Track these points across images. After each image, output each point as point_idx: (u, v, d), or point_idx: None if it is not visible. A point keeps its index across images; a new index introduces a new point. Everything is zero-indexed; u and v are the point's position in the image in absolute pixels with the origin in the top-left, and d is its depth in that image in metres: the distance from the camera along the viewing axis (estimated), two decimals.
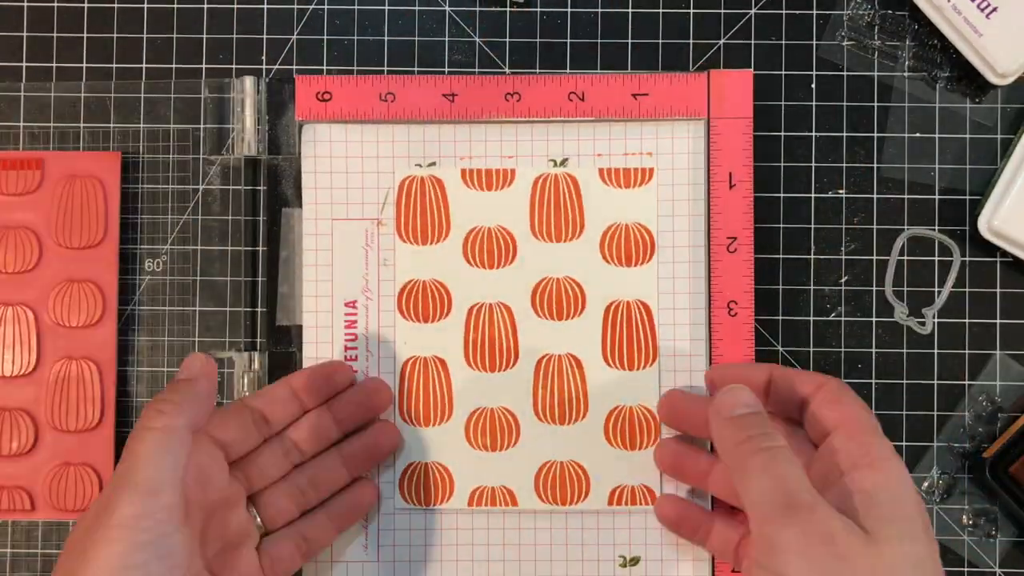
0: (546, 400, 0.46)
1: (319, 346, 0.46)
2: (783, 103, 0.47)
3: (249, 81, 0.46)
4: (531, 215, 0.46)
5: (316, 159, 0.46)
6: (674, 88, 0.45)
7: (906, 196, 0.47)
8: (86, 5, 0.48)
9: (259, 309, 0.46)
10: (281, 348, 0.46)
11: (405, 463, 0.45)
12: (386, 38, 0.48)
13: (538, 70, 0.47)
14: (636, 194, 0.46)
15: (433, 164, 0.46)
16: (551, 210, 0.46)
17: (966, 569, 0.46)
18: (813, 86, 0.47)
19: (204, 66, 0.48)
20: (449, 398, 0.46)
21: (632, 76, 0.46)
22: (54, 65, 0.48)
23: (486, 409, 0.46)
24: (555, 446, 0.45)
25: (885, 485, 0.34)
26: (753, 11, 0.47)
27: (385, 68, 0.48)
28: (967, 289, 0.47)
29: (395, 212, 0.46)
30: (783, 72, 0.47)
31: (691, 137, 0.46)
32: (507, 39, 0.48)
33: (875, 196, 0.47)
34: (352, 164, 0.46)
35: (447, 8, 0.48)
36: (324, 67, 0.48)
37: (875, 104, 0.47)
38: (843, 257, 0.47)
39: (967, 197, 0.47)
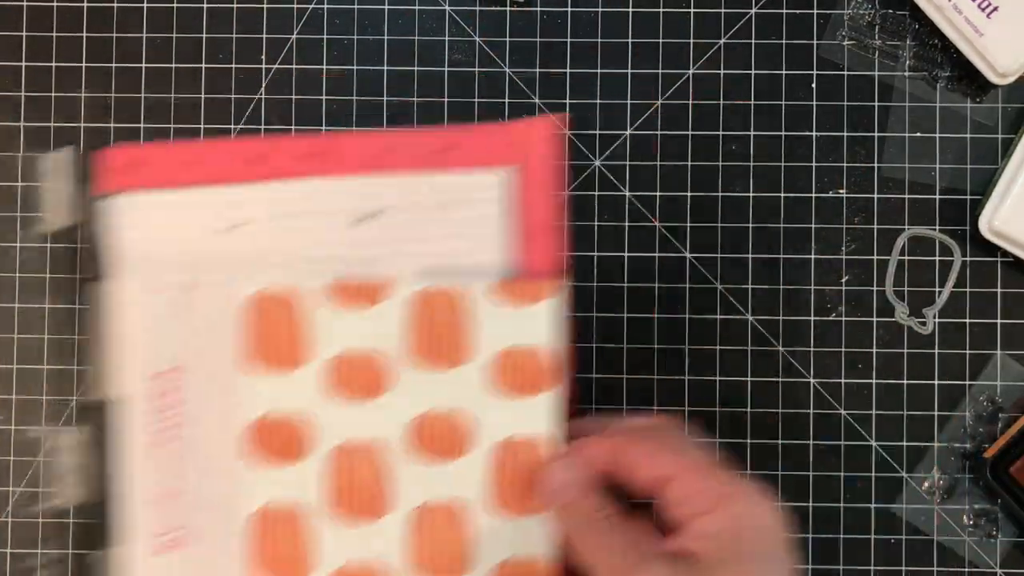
0: (424, 555, 0.38)
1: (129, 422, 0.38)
2: (783, 103, 0.47)
3: (63, 153, 0.43)
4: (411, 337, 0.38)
5: (121, 229, 0.39)
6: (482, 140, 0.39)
7: (907, 196, 0.47)
8: (85, 5, 0.48)
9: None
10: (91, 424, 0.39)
11: None
12: (386, 37, 0.48)
13: (538, 70, 0.47)
14: (529, 312, 0.38)
15: (239, 224, 0.39)
16: (432, 330, 0.38)
17: (967, 569, 0.46)
18: (814, 86, 0.47)
19: (204, 66, 0.48)
20: (304, 558, 0.38)
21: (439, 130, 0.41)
22: (54, 64, 0.48)
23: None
24: None
25: (725, 526, 0.33)
26: (753, 11, 0.47)
27: (385, 67, 0.48)
28: (968, 289, 0.47)
29: (243, 336, 0.38)
30: (783, 72, 0.47)
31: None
32: (507, 39, 0.48)
33: (876, 196, 0.47)
34: (159, 232, 0.39)
35: (447, 8, 0.48)
36: (324, 66, 0.48)
37: (875, 104, 0.47)
38: (843, 257, 0.47)
39: (968, 197, 0.47)
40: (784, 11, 0.47)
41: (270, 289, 0.38)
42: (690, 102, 0.47)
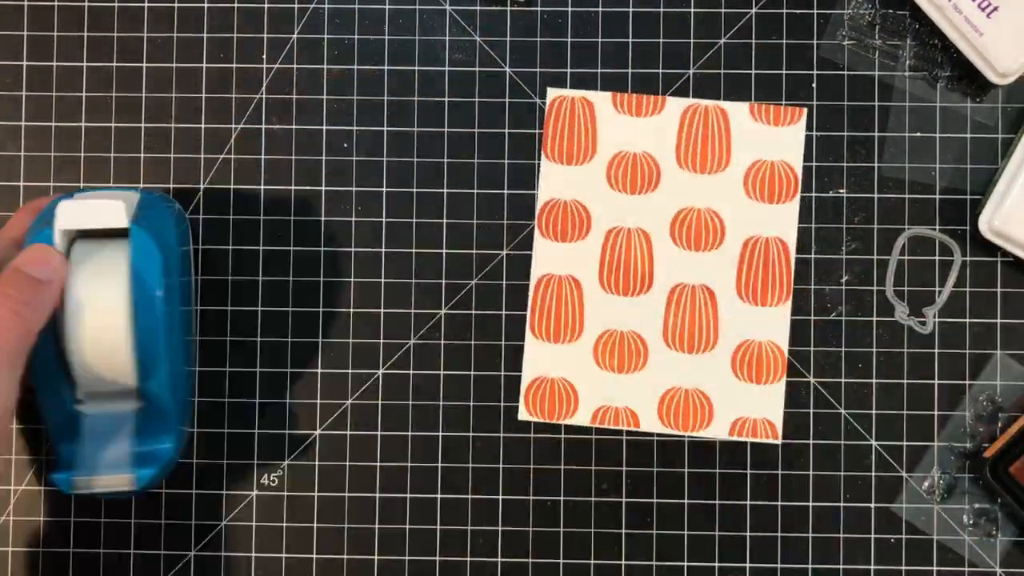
0: (676, 328, 0.46)
1: None
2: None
3: None
4: (678, 144, 0.46)
5: None
6: None
7: (907, 196, 0.47)
8: (86, 4, 0.48)
9: None
10: None
11: (532, 376, 0.46)
12: (386, 37, 0.48)
13: (538, 69, 0.47)
14: (784, 132, 0.46)
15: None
16: (698, 141, 0.46)
17: (967, 569, 0.46)
18: (814, 86, 0.47)
19: (204, 65, 0.48)
20: (581, 318, 0.46)
21: None
22: (54, 64, 0.48)
23: (616, 332, 0.46)
24: (681, 373, 0.46)
25: None
26: (754, 10, 0.47)
27: (385, 67, 0.48)
28: (968, 289, 0.47)
29: (544, 131, 0.47)
30: (783, 72, 0.47)
31: None
32: (507, 38, 0.48)
33: (876, 196, 0.47)
34: None
35: (447, 7, 0.48)
36: (324, 66, 0.48)
37: (876, 104, 0.47)
38: (844, 257, 0.47)
39: (968, 197, 0.47)
40: (784, 11, 0.47)
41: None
42: None
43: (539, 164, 0.47)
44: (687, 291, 0.46)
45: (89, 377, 0.41)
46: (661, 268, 0.46)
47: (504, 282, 0.47)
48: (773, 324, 0.46)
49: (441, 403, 0.47)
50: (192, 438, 0.47)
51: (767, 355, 0.46)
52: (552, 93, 0.47)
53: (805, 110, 0.47)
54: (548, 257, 0.47)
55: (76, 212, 0.40)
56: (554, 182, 0.47)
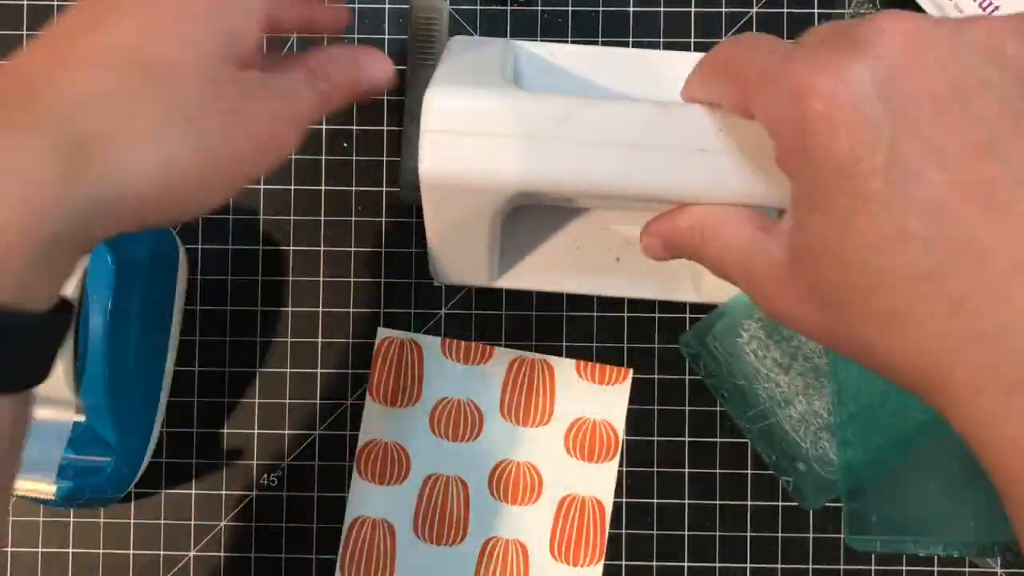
0: None
1: None
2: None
3: None
4: (503, 395, 0.46)
5: None
6: None
7: None
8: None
9: None
10: None
11: None
12: (386, 37, 0.48)
13: None
14: (609, 391, 0.46)
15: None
16: (523, 393, 0.46)
17: (967, 569, 0.46)
18: None
19: None
20: (391, 566, 0.46)
21: None
22: None
23: None
24: None
25: None
26: (754, 10, 0.47)
27: None
28: None
29: (371, 372, 0.46)
30: None
31: None
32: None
33: None
34: None
35: (447, 7, 0.48)
36: None
37: None
38: None
39: None
40: (784, 11, 0.47)
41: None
42: None
43: (363, 404, 0.46)
44: (500, 545, 0.45)
45: None
46: (476, 519, 0.45)
47: None
48: None
49: None
50: (192, 438, 0.47)
51: None
52: (382, 334, 0.46)
53: (631, 371, 0.46)
54: (364, 499, 0.46)
55: None
56: (376, 423, 0.46)
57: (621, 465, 0.46)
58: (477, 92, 0.34)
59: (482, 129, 0.33)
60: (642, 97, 0.38)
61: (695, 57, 0.34)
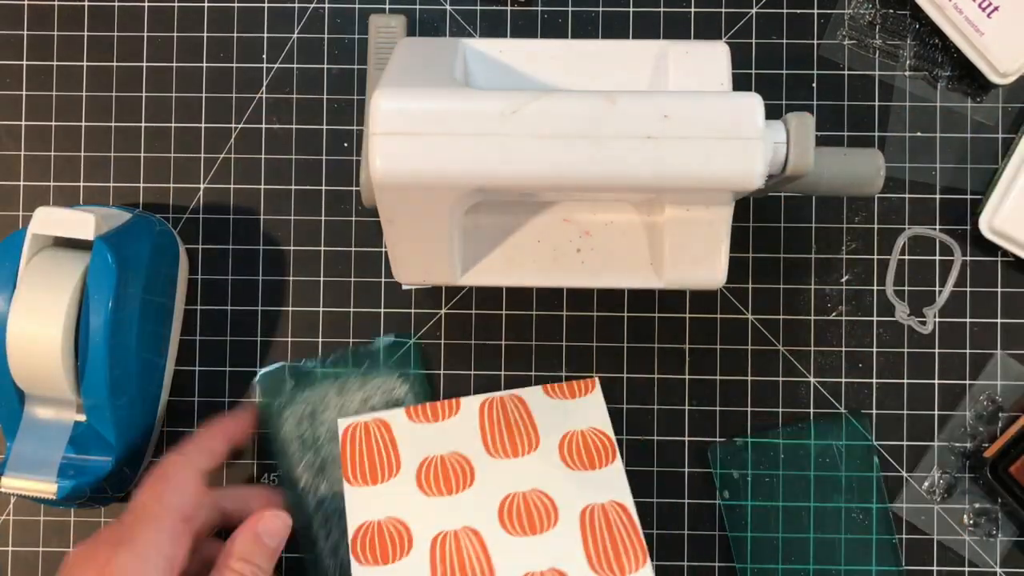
0: None
1: None
2: (784, 102, 0.47)
3: None
4: (483, 436, 0.45)
5: None
6: None
7: (907, 195, 0.47)
8: (86, 4, 0.48)
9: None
10: None
11: None
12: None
13: None
14: (583, 402, 0.46)
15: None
16: (503, 429, 0.45)
17: (967, 568, 0.46)
18: (814, 85, 0.47)
19: (204, 64, 0.48)
20: None
21: None
22: (54, 64, 0.48)
23: None
24: None
25: None
26: (754, 10, 0.47)
27: None
28: (968, 288, 0.47)
29: (342, 459, 0.45)
30: (784, 71, 0.47)
31: None
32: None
33: (876, 196, 0.47)
34: None
35: (448, 7, 0.48)
36: (324, 66, 0.48)
37: (876, 103, 0.47)
38: (844, 256, 0.47)
39: (968, 196, 0.47)
40: (784, 11, 0.47)
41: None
42: None
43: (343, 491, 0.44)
44: None
45: (22, 378, 0.42)
46: (501, 563, 0.42)
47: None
48: None
49: None
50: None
51: None
52: (343, 423, 0.45)
53: (597, 380, 0.46)
54: None
55: (49, 220, 0.42)
56: (362, 506, 0.43)
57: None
58: (423, 92, 0.34)
59: (430, 129, 0.33)
60: (592, 87, 0.38)
61: (642, 45, 0.35)
